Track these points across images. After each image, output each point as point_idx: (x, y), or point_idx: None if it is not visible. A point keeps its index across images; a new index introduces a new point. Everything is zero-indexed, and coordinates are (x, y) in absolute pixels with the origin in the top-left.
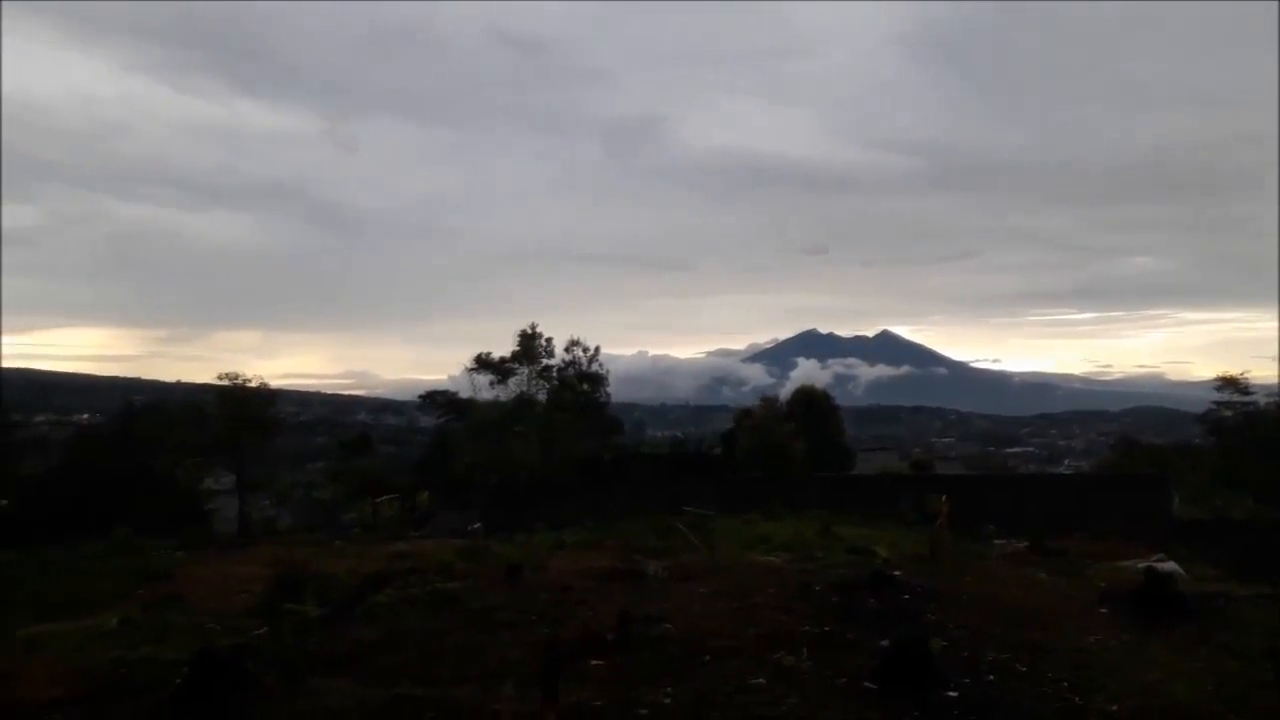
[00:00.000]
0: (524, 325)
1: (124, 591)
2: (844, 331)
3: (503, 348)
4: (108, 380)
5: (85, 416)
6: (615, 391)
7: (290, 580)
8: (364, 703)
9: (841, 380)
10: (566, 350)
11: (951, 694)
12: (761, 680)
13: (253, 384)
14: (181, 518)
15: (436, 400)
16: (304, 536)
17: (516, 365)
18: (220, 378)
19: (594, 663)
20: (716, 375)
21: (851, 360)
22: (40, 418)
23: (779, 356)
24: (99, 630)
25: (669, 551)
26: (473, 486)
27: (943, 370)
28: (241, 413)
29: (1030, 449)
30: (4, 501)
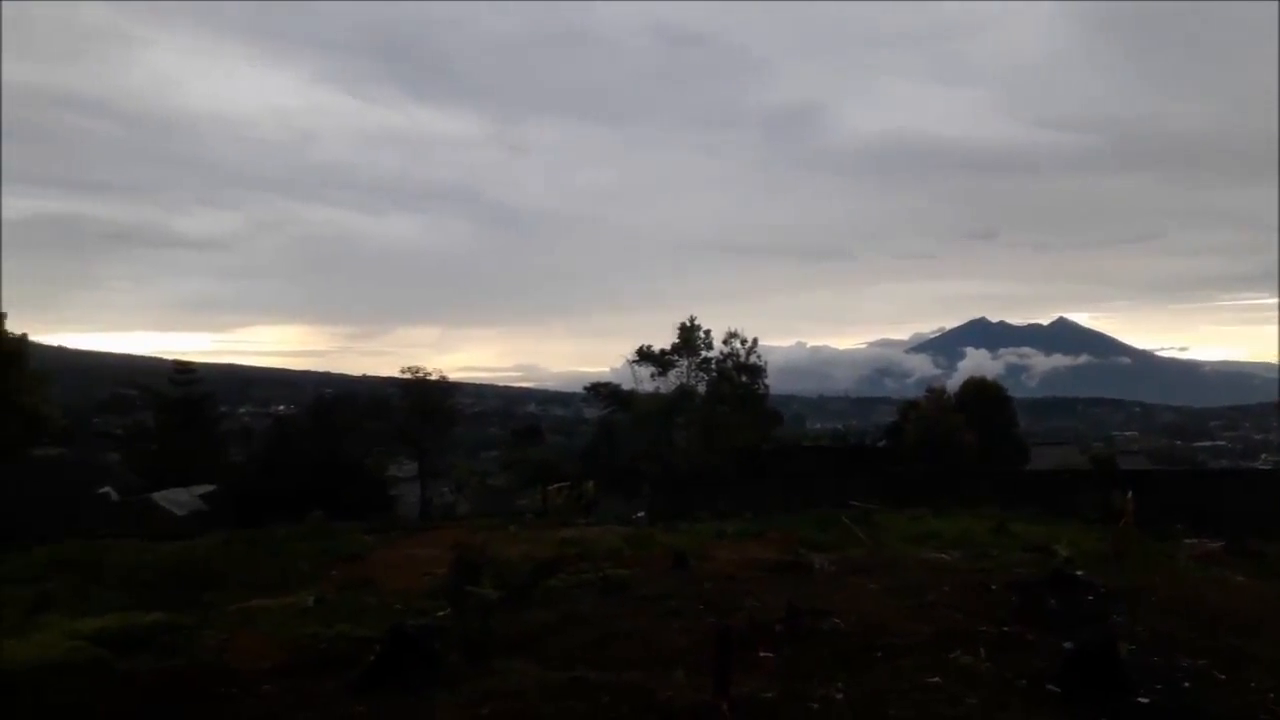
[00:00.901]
0: (683, 318)
1: (319, 572)
2: (1016, 319)
3: (663, 340)
4: (301, 374)
5: (281, 408)
6: (773, 383)
7: (470, 564)
8: (543, 684)
9: (1014, 371)
10: (725, 342)
11: (1142, 700)
12: (938, 679)
13: (433, 377)
14: (369, 503)
15: (600, 392)
16: (480, 522)
17: (676, 357)
18: (403, 371)
19: (762, 654)
20: (878, 366)
21: (1025, 349)
22: (243, 409)
23: (946, 346)
24: (298, 607)
25: (834, 545)
26: (636, 476)
27: (1125, 359)
28: (423, 404)
29: (1222, 443)
30: (214, 487)
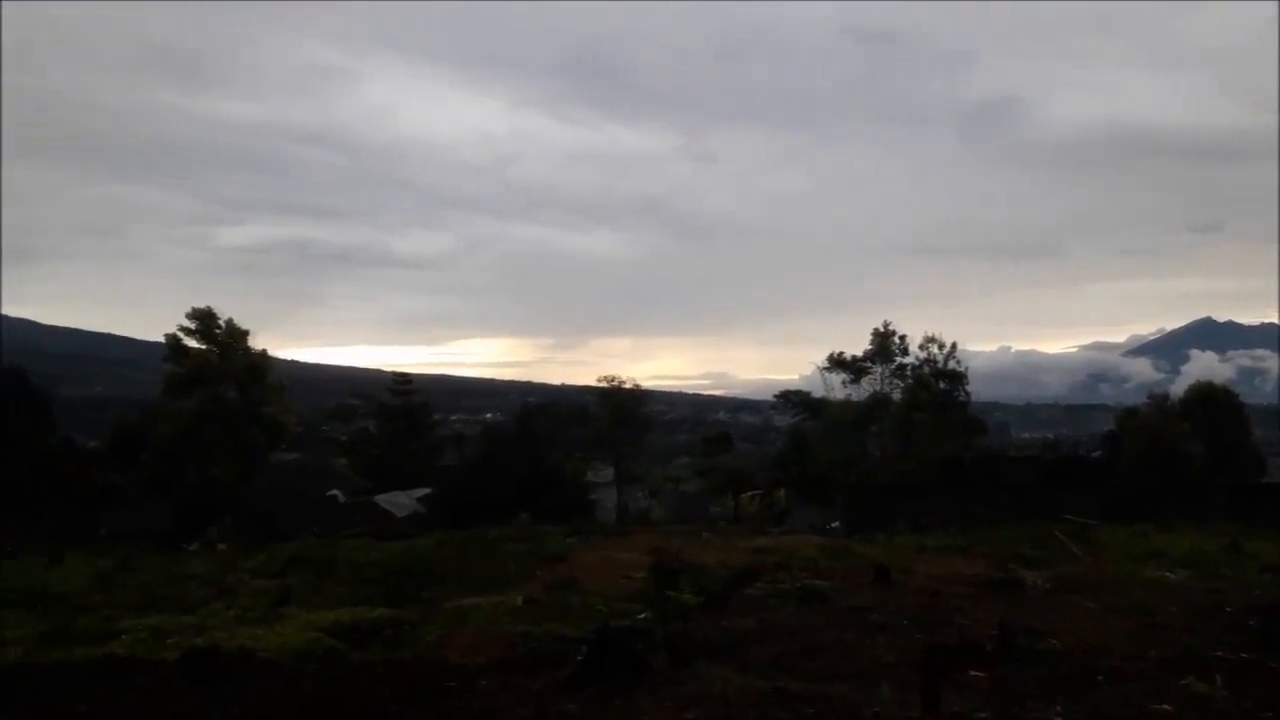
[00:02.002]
0: (877, 323)
1: (526, 572)
2: (1247, 319)
3: (856, 346)
4: (506, 384)
5: (488, 416)
6: (976, 390)
7: (667, 569)
8: (746, 691)
9: (1246, 374)
10: (922, 347)
11: None
12: (1168, 707)
13: (628, 386)
14: (569, 507)
15: (791, 399)
16: (675, 527)
17: (870, 364)
18: (600, 380)
19: (973, 673)
20: (1092, 371)
21: (1259, 351)
22: (454, 417)
23: (1168, 349)
24: (508, 606)
25: (1047, 562)
26: (829, 485)
27: None
28: (619, 412)
29: None
30: (429, 490)
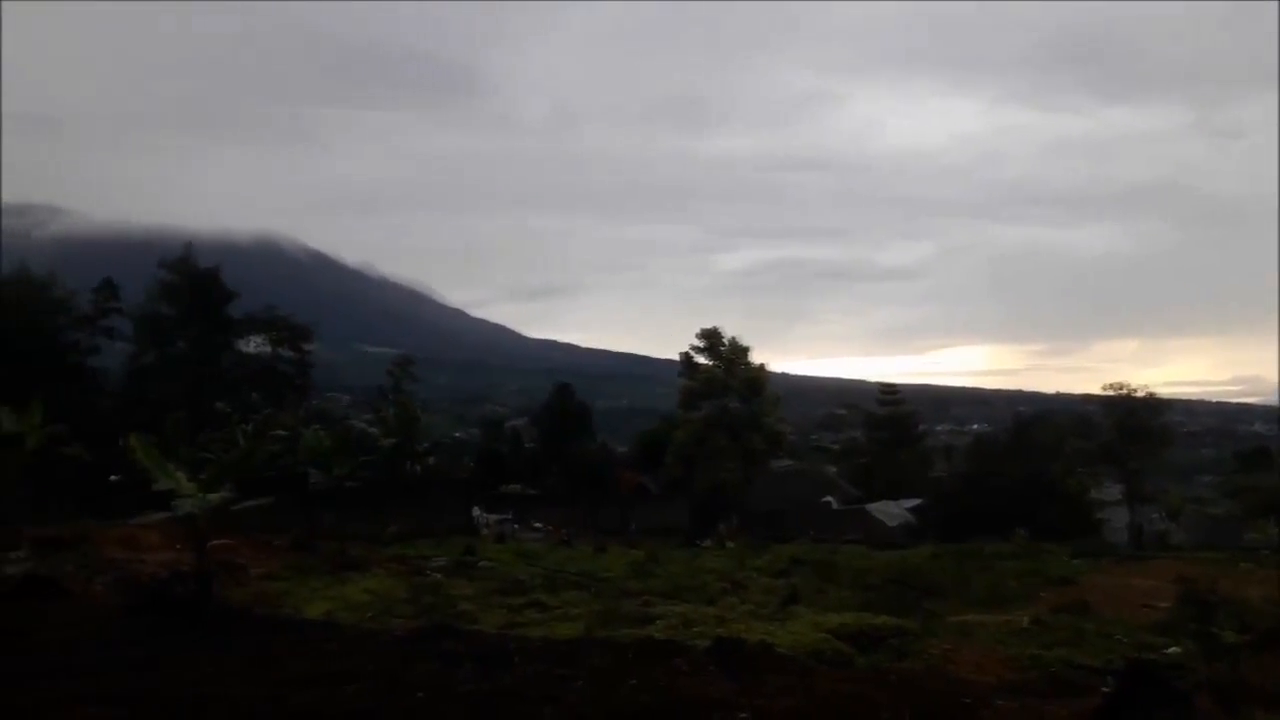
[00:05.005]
0: None
1: (1028, 592)
2: None
3: None
4: (993, 393)
5: (976, 426)
6: None
7: (1200, 600)
8: None
9: None
10: None
11: None
12: None
13: (1139, 394)
14: (1071, 525)
15: None
16: (1202, 554)
17: None
18: (1104, 388)
19: None
20: None
21: None
22: (940, 427)
23: None
24: (1012, 627)
25: None
26: None
27: None
28: (1130, 423)
29: None
30: (919, 500)
